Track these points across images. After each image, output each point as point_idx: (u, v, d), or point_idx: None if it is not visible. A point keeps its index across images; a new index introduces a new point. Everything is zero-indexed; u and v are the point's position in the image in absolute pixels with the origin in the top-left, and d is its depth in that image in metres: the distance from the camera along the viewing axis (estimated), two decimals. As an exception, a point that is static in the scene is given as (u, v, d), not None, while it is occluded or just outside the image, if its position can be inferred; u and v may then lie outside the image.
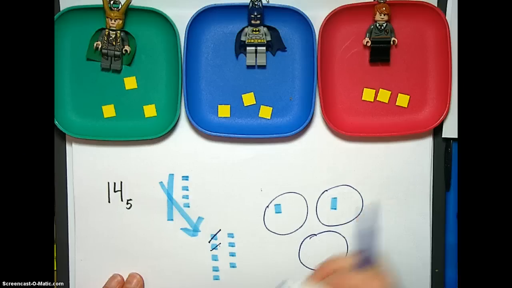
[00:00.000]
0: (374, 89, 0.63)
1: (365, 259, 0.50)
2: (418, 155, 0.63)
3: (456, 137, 0.63)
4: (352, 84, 0.63)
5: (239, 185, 0.63)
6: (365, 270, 0.50)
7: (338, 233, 0.64)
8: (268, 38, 0.61)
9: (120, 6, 0.60)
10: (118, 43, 0.61)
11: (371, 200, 0.64)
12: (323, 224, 0.64)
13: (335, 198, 0.64)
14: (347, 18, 0.61)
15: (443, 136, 0.63)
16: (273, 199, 0.64)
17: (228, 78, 0.63)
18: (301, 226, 0.64)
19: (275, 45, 0.62)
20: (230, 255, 0.64)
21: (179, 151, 0.63)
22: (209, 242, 0.64)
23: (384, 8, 0.60)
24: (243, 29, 0.61)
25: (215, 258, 0.64)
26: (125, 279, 0.64)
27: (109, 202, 0.64)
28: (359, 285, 0.49)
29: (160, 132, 0.61)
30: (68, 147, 0.63)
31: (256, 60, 0.62)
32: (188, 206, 0.64)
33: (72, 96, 0.62)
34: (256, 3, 0.59)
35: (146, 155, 0.63)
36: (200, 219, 0.64)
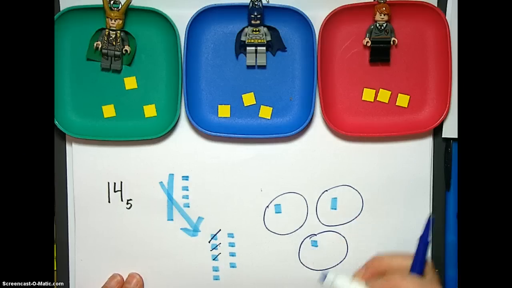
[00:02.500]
0: (374, 89, 0.63)
1: (418, 264, 0.52)
2: (418, 155, 0.63)
3: (456, 137, 0.63)
4: (352, 84, 0.63)
5: (239, 185, 0.63)
6: (414, 276, 0.51)
7: (338, 233, 0.64)
8: (268, 38, 0.61)
9: (120, 6, 0.60)
10: (118, 43, 0.61)
11: (371, 200, 0.64)
12: (323, 224, 0.64)
13: (335, 198, 0.64)
14: (347, 18, 0.61)
15: (443, 136, 0.63)
16: (273, 199, 0.64)
17: (228, 78, 0.63)
18: (301, 226, 0.64)
19: (275, 45, 0.62)
20: (230, 255, 0.64)
21: (179, 151, 0.63)
22: (209, 242, 0.64)
23: (384, 8, 0.60)
24: (243, 29, 0.61)
25: (215, 258, 0.64)
26: (124, 279, 0.64)
27: (109, 202, 0.64)
28: None
29: (160, 132, 0.61)
30: (68, 147, 0.63)
31: (256, 60, 0.62)
32: (188, 206, 0.64)
33: (72, 96, 0.62)
34: (256, 3, 0.59)
35: (146, 155, 0.63)
36: (200, 219, 0.64)
